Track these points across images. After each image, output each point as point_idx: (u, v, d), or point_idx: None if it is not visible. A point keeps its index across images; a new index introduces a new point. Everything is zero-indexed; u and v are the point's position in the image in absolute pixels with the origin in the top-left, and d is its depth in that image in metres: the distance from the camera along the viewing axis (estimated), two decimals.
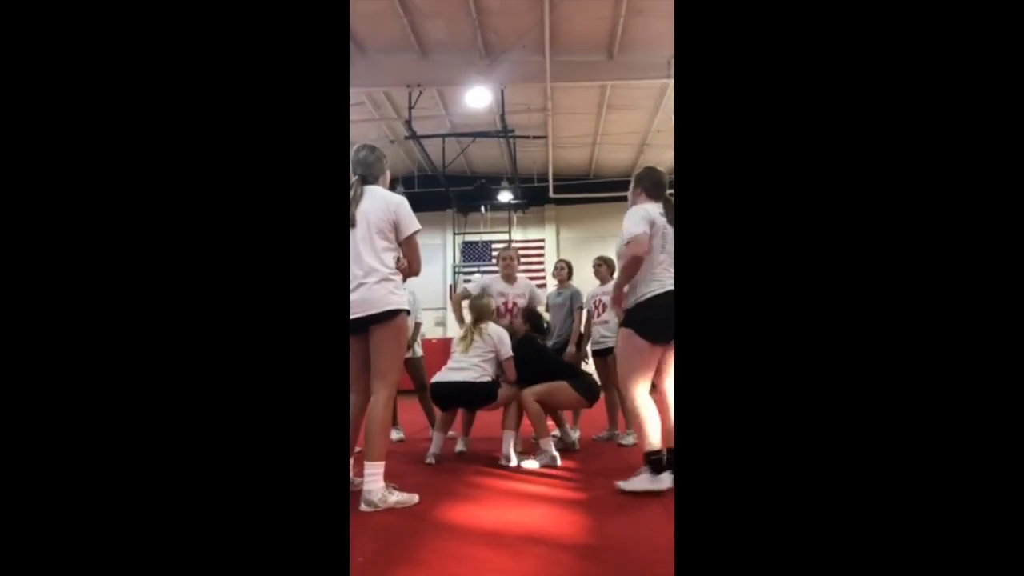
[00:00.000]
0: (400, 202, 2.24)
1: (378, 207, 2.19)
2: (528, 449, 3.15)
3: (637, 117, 9.38)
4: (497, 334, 3.13)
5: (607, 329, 3.68)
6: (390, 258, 2.19)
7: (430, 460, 3.04)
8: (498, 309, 3.49)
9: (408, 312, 2.27)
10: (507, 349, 3.12)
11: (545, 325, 3.46)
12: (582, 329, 3.87)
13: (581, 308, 3.89)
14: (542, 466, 2.81)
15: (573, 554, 1.56)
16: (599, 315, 3.80)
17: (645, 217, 2.23)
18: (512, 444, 2.95)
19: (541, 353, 3.26)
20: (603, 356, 3.76)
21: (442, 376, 3.08)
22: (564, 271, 4.08)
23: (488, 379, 3.04)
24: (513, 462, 2.86)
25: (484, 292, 3.48)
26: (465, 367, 3.04)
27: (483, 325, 3.15)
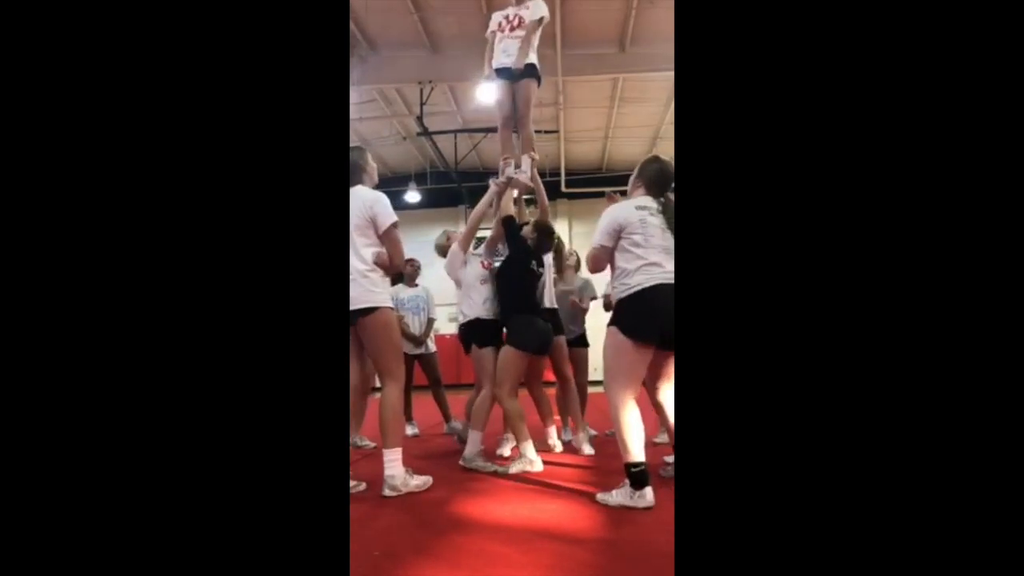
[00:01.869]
0: (376, 197, 2.24)
1: (355, 205, 2.22)
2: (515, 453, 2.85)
3: (650, 110, 9.31)
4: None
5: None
6: (369, 255, 2.21)
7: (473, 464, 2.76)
8: (500, 24, 3.16)
9: (392, 308, 2.31)
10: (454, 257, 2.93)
11: (556, 239, 3.12)
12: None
13: (593, 298, 3.75)
14: (518, 471, 2.54)
15: (586, 549, 1.57)
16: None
17: (612, 226, 2.11)
18: (477, 445, 2.71)
19: (528, 272, 2.84)
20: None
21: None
22: (574, 257, 3.90)
23: (471, 317, 2.86)
24: (473, 463, 2.65)
25: (441, 233, 3.33)
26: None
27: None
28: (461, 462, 2.73)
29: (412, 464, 2.40)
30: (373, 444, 3.35)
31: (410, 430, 4.00)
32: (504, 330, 2.82)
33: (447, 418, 4.05)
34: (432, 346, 4.12)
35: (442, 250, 3.23)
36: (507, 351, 2.71)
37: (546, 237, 2.96)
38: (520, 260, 2.83)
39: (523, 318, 2.75)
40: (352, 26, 6.81)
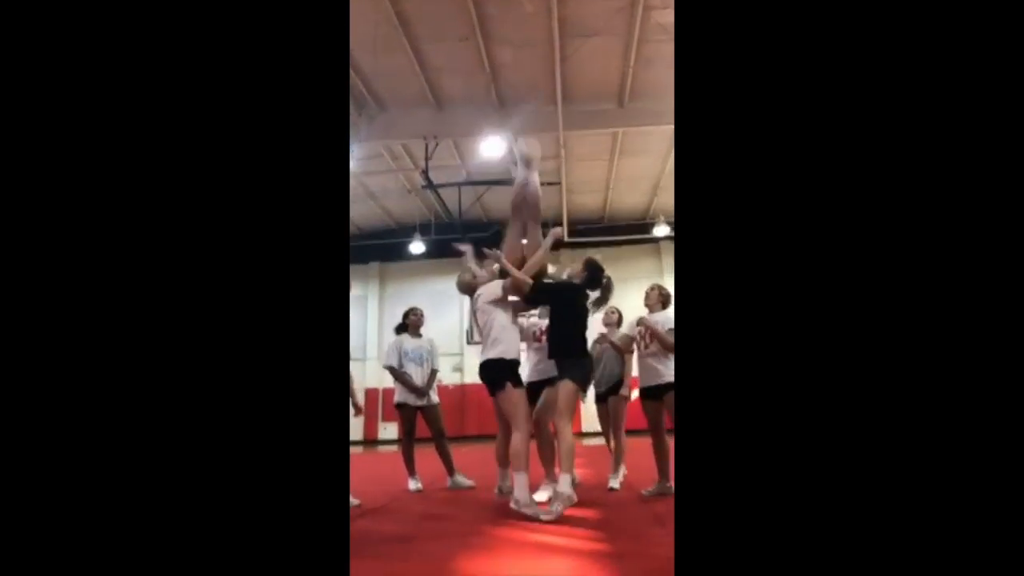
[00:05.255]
0: None
1: None
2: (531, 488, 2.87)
3: (649, 162, 9.54)
4: (487, 290, 3.03)
5: (658, 362, 3.20)
6: None
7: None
8: (533, 334, 3.39)
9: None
10: (496, 289, 2.96)
11: (606, 279, 3.10)
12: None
13: (633, 353, 3.59)
14: (556, 516, 2.54)
15: None
16: (645, 346, 3.30)
17: None
18: (525, 487, 2.69)
19: (584, 310, 2.96)
20: (654, 397, 3.19)
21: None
22: (616, 315, 3.81)
23: (493, 355, 2.90)
24: (529, 509, 2.62)
25: (463, 269, 3.39)
26: (487, 347, 2.97)
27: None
28: (513, 504, 2.73)
29: (414, 522, 2.29)
30: (357, 502, 3.24)
31: (412, 484, 3.87)
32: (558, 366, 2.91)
33: (451, 472, 3.94)
34: (435, 397, 4.05)
35: (468, 287, 3.21)
36: (569, 386, 2.79)
37: (597, 272, 3.08)
38: (576, 302, 2.96)
39: (585, 360, 2.91)
40: (361, 86, 7.10)
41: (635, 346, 3.41)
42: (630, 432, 3.77)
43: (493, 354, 2.92)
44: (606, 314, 3.82)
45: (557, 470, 3.02)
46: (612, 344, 3.52)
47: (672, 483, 3.21)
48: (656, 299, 3.40)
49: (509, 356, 2.91)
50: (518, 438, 2.77)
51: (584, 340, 2.96)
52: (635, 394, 3.81)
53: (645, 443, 3.41)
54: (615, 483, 3.54)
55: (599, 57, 6.66)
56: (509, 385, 2.85)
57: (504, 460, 3.05)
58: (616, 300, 3.66)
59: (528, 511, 2.63)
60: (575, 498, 2.63)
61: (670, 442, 3.23)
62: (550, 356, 2.94)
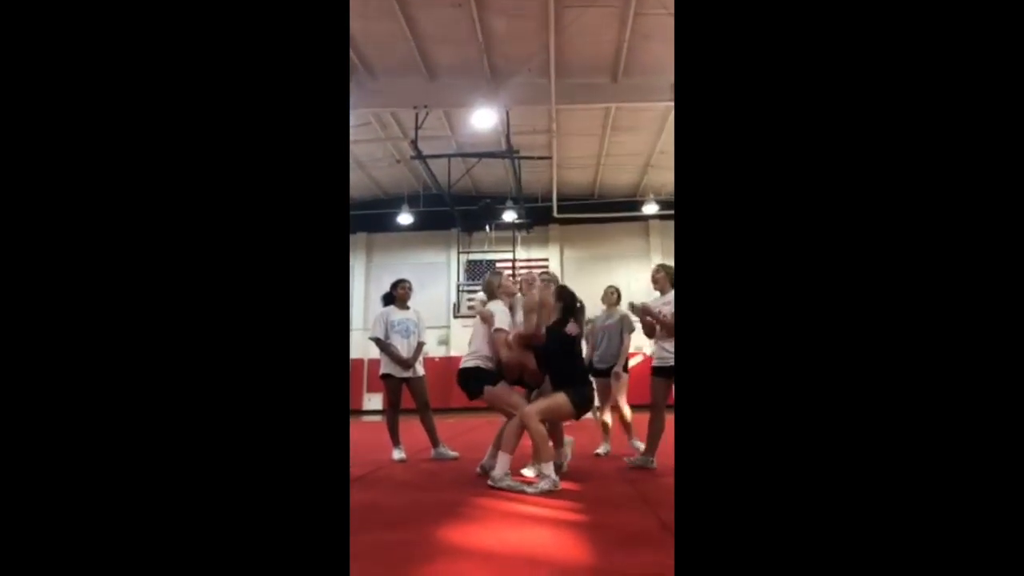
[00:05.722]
0: None
1: None
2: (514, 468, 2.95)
3: (641, 139, 9.48)
4: (492, 309, 3.07)
5: (672, 345, 3.24)
6: None
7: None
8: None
9: None
10: (498, 320, 2.97)
11: (578, 304, 3.03)
12: (630, 349, 3.89)
13: (632, 331, 3.79)
14: (541, 492, 2.64)
15: None
16: (660, 329, 3.38)
17: None
18: (505, 467, 2.79)
19: (571, 345, 2.94)
20: (667, 375, 3.26)
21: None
22: (614, 296, 3.99)
23: (470, 364, 3.01)
24: (503, 483, 2.72)
25: (494, 271, 3.49)
26: (467, 353, 3.08)
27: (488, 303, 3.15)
28: (489, 482, 2.80)
29: (398, 491, 2.32)
30: None
31: (397, 454, 3.92)
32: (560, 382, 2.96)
33: (435, 443, 3.99)
34: (421, 370, 4.07)
35: (490, 290, 3.27)
36: (562, 399, 2.84)
37: (570, 299, 3.01)
38: (560, 336, 2.91)
39: (586, 387, 2.97)
40: (350, 51, 6.91)
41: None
42: (634, 407, 3.94)
43: (471, 363, 3.02)
44: (605, 294, 4.02)
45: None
46: (659, 320, 3.42)
47: (654, 458, 3.34)
48: (665, 280, 3.44)
49: (488, 367, 3.00)
50: (515, 420, 2.87)
51: (583, 367, 3.04)
52: (633, 362, 4.02)
53: (645, 418, 3.48)
54: (602, 450, 3.86)
55: (594, 29, 6.54)
56: (488, 388, 2.95)
57: (500, 441, 3.12)
58: (606, 277, 3.77)
59: (503, 485, 2.72)
60: (559, 484, 2.71)
61: (669, 420, 3.33)
62: (554, 390, 2.95)
